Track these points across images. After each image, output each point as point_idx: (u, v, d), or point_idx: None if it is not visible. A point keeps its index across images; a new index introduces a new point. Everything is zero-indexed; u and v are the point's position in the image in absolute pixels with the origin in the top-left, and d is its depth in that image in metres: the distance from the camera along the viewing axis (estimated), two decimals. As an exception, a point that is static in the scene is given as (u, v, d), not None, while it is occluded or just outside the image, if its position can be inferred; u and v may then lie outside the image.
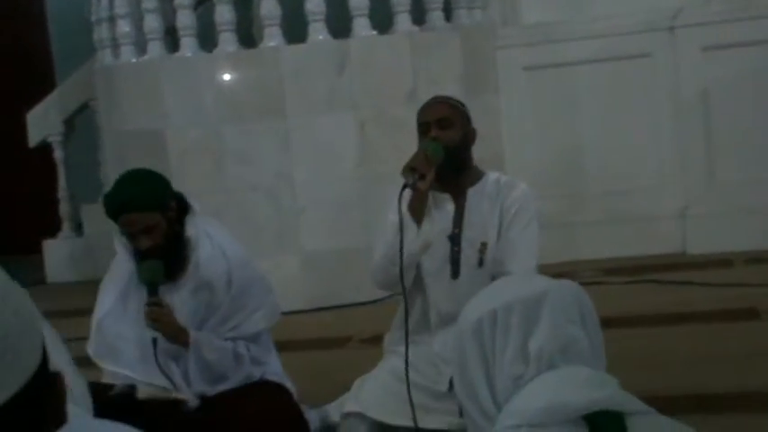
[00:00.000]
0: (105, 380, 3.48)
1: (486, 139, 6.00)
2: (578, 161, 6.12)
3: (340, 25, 5.65)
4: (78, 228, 7.20)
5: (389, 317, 3.56)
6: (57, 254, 7.10)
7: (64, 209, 7.10)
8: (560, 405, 1.63)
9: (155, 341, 3.34)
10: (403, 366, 3.26)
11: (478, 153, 5.89)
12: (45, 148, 7.08)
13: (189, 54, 5.72)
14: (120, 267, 3.52)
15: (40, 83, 7.71)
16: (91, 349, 3.49)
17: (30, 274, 6.55)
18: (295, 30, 5.63)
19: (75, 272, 6.93)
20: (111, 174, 6.29)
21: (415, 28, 5.76)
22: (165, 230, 3.34)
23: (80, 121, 7.12)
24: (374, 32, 5.67)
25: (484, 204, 3.37)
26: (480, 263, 3.32)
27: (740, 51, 5.81)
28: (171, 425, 3.33)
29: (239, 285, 3.47)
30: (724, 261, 5.59)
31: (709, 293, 5.08)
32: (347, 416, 3.44)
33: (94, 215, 6.96)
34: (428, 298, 3.39)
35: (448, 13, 5.90)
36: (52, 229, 7.18)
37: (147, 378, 3.39)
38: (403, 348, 3.36)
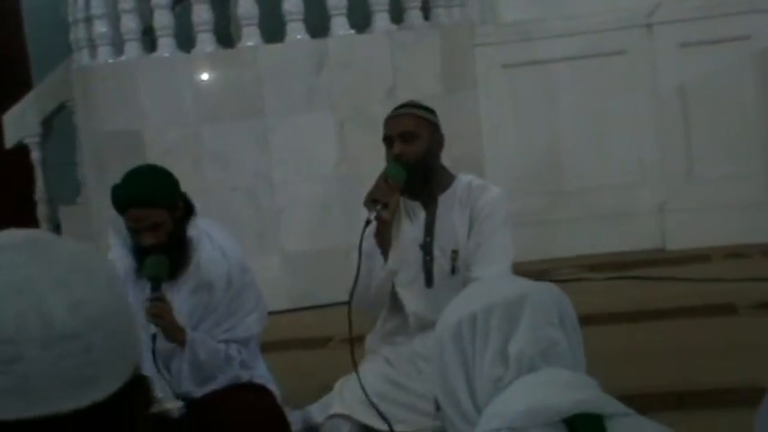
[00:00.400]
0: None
1: (464, 136, 6.04)
2: (557, 158, 6.13)
3: (318, 24, 5.64)
4: (56, 229, 7.15)
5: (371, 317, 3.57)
6: (35, 256, 7.05)
7: (41, 210, 7.05)
8: (540, 408, 1.63)
9: (154, 337, 3.32)
10: (386, 368, 3.28)
11: (457, 151, 5.93)
12: (22, 149, 7.04)
13: (167, 54, 5.70)
14: (116, 262, 3.50)
15: (16, 83, 7.66)
16: None
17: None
18: (273, 29, 5.62)
19: (53, 274, 6.88)
20: (89, 175, 6.27)
21: (394, 27, 5.76)
22: (170, 229, 3.33)
23: (57, 122, 7.08)
24: (352, 31, 5.66)
25: (455, 210, 3.36)
26: (453, 270, 3.32)
27: (717, 47, 5.83)
28: (154, 426, 3.32)
29: (237, 288, 3.47)
30: (703, 256, 5.62)
31: (688, 289, 5.10)
32: (331, 417, 3.44)
33: (72, 217, 6.94)
34: (404, 306, 3.40)
35: (426, 11, 5.91)
36: (30, 231, 7.13)
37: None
38: (384, 349, 3.38)
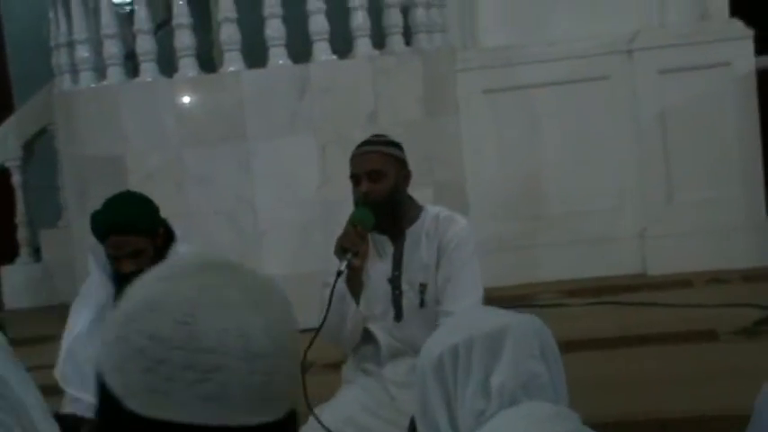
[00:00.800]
0: (65, 408, 3.43)
1: (446, 161, 6.06)
2: (538, 183, 6.15)
3: (300, 50, 5.66)
4: (36, 253, 7.12)
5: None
6: (14, 280, 7.02)
7: (22, 234, 7.02)
8: (522, 441, 1.63)
9: None
10: (361, 396, 3.30)
11: (439, 175, 5.95)
12: (3, 172, 7.02)
13: (149, 79, 5.70)
14: (97, 290, 3.48)
15: (-3, 107, 7.65)
16: (58, 372, 3.44)
17: (-13, 301, 6.49)
18: (255, 54, 5.63)
19: (32, 298, 6.86)
20: (70, 199, 6.25)
21: (376, 52, 5.78)
22: (150, 256, 3.32)
23: (39, 146, 7.06)
24: (334, 57, 5.68)
25: (422, 243, 3.35)
26: (422, 303, 3.32)
27: (697, 74, 5.88)
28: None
29: None
30: (684, 282, 5.65)
31: (669, 315, 5.12)
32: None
33: (53, 241, 6.91)
34: (376, 338, 3.41)
35: (408, 37, 5.93)
36: (10, 255, 7.11)
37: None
38: (359, 378, 3.41)
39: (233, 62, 5.61)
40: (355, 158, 3.35)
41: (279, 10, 5.55)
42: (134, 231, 3.29)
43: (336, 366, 3.93)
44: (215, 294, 1.12)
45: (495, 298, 5.47)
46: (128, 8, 6.49)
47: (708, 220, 5.87)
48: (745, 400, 2.25)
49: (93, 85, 5.89)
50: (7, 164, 6.96)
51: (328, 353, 4.69)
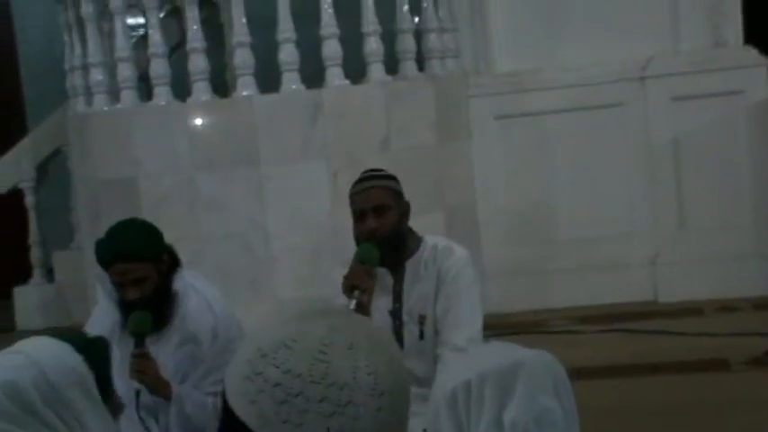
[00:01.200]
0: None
1: (458, 186, 6.07)
2: (550, 209, 6.16)
3: (313, 75, 5.68)
4: (49, 274, 7.14)
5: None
6: (27, 300, 7.04)
7: (35, 255, 7.05)
8: (535, 478, 1.63)
9: (138, 393, 3.31)
10: None
11: (451, 200, 5.96)
12: (16, 193, 7.05)
13: (162, 102, 5.72)
14: (103, 317, 3.49)
15: (11, 128, 7.68)
16: None
17: (-1, 322, 6.50)
18: (268, 79, 5.65)
19: (45, 319, 6.87)
20: (83, 221, 6.27)
21: (389, 77, 5.79)
22: (155, 283, 3.33)
23: (52, 167, 7.10)
24: (347, 82, 5.70)
25: (421, 274, 3.36)
26: (421, 335, 3.32)
27: (709, 102, 5.89)
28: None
29: (224, 340, 3.45)
30: (695, 309, 5.64)
31: (680, 343, 5.10)
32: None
33: (66, 262, 6.94)
34: None
35: (421, 62, 5.95)
36: (23, 276, 7.13)
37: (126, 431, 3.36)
38: None
39: (246, 86, 5.63)
40: (357, 195, 3.34)
41: (292, 35, 5.57)
42: (137, 259, 3.30)
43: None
44: (345, 335, 1.23)
45: (505, 324, 5.48)
46: (141, 30, 6.52)
47: (719, 248, 5.86)
48: (757, 431, 2.26)
49: (106, 108, 5.91)
50: (21, 185, 6.99)
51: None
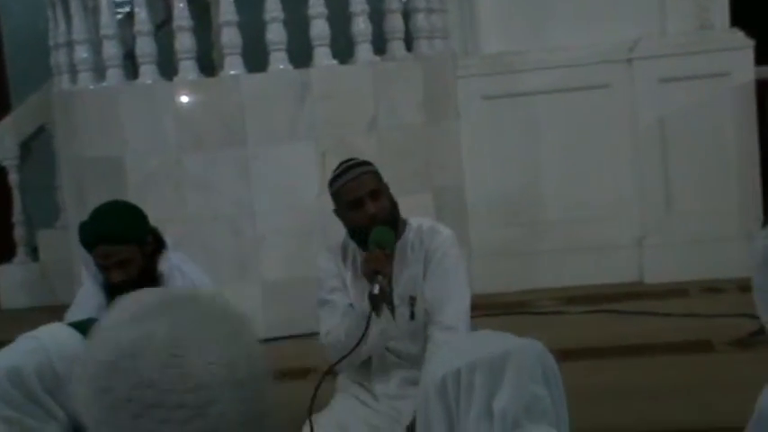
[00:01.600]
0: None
1: (446, 167, 6.07)
2: (537, 190, 6.17)
3: (301, 54, 5.66)
4: (34, 253, 7.12)
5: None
6: (11, 279, 7.02)
7: (19, 233, 7.02)
8: (525, 466, 1.64)
9: None
10: (356, 406, 3.32)
11: (439, 181, 5.96)
12: (0, 171, 7.01)
13: (149, 81, 5.69)
14: (88, 299, 3.48)
15: (-5, 105, 7.64)
16: None
17: (-16, 300, 6.49)
18: (256, 58, 5.63)
19: (29, 297, 6.86)
20: (68, 201, 6.25)
21: (377, 58, 5.78)
22: (140, 265, 3.32)
23: (36, 145, 7.06)
24: (335, 62, 5.68)
25: (408, 257, 3.38)
26: (412, 316, 3.34)
27: (696, 83, 5.89)
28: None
29: None
30: (680, 291, 5.66)
31: (665, 324, 5.13)
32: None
33: (50, 241, 6.91)
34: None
35: (409, 43, 5.93)
36: (7, 255, 7.11)
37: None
38: (354, 388, 3.43)
39: (233, 66, 5.60)
40: (350, 184, 3.33)
41: (280, 14, 5.55)
42: (121, 241, 3.30)
43: (335, 373, 3.95)
44: (192, 330, 1.14)
45: (491, 304, 5.50)
46: (126, 7, 6.47)
47: (705, 230, 5.89)
48: (739, 412, 2.27)
49: (92, 87, 5.88)
50: (4, 163, 6.95)
51: (327, 359, 4.72)
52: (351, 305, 3.40)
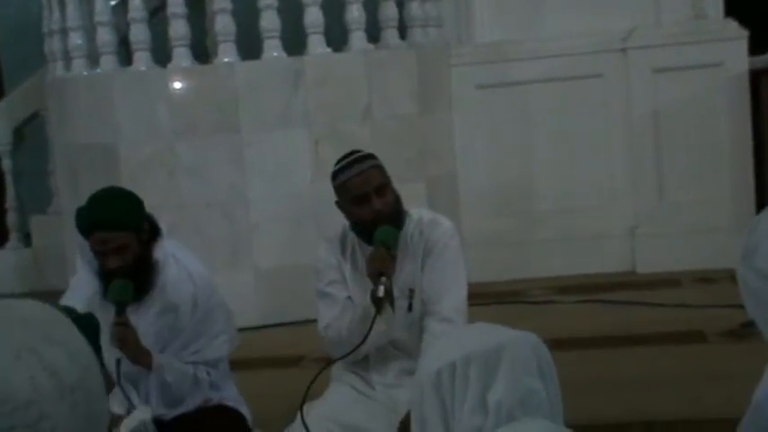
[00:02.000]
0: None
1: (439, 156, 6.07)
2: (530, 179, 6.17)
3: (295, 42, 5.65)
4: (26, 238, 7.11)
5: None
6: (4, 265, 7.01)
7: (12, 219, 7.01)
8: (519, 459, 1.65)
9: (118, 362, 3.31)
10: (352, 396, 3.33)
11: (432, 170, 5.96)
12: (-7, 157, 7.00)
13: (142, 68, 5.68)
14: (82, 286, 3.49)
15: (-12, 91, 7.62)
16: None
17: (-24, 286, 6.48)
18: (250, 46, 5.62)
19: (22, 283, 6.86)
20: (62, 187, 6.24)
21: (370, 46, 5.78)
22: (136, 252, 3.33)
23: (29, 131, 7.05)
24: (329, 50, 5.67)
25: (409, 249, 3.38)
26: (410, 308, 3.33)
27: (691, 73, 5.90)
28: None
29: (204, 310, 3.46)
30: (672, 281, 5.68)
31: (657, 314, 5.14)
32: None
33: (43, 226, 6.91)
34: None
35: (403, 31, 5.93)
36: (0, 240, 7.10)
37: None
38: (349, 377, 3.43)
39: (227, 53, 5.60)
40: (356, 179, 3.31)
41: (274, 2, 5.55)
42: (118, 227, 3.30)
43: (326, 360, 3.96)
44: (9, 343, 1.06)
45: (484, 294, 5.50)
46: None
47: (698, 220, 5.90)
48: (731, 404, 2.27)
49: (85, 73, 5.87)
50: (-2, 148, 6.94)
51: (320, 347, 4.72)
52: (349, 298, 3.40)
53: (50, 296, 3.78)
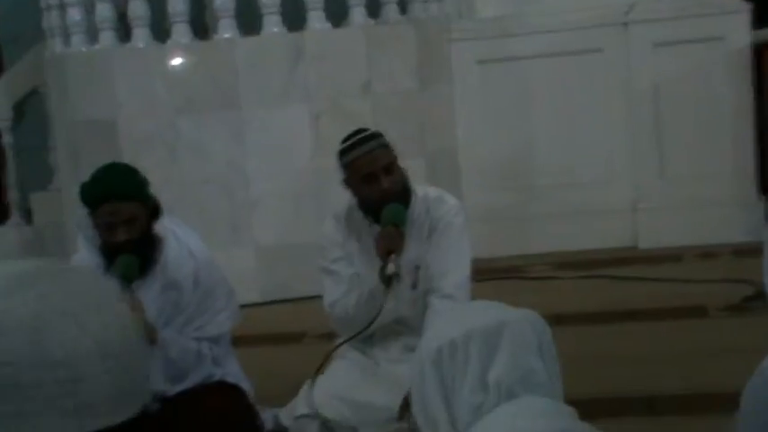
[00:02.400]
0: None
1: (439, 131, 6.05)
2: (530, 154, 6.15)
3: (294, 18, 5.62)
4: (27, 215, 7.10)
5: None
6: (5, 242, 6.99)
7: (12, 196, 6.99)
8: (520, 436, 1.65)
9: None
10: (356, 372, 3.34)
11: (432, 145, 5.94)
12: (-7, 132, 6.97)
13: (141, 45, 5.66)
14: (85, 263, 3.48)
15: (-13, 67, 7.58)
16: None
17: (-23, 263, 6.44)
18: (249, 22, 5.60)
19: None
20: (63, 164, 6.23)
21: (370, 21, 5.75)
22: (143, 225, 3.32)
23: (29, 107, 7.02)
24: (329, 25, 5.65)
25: (414, 226, 3.39)
26: (414, 285, 3.35)
27: (691, 48, 5.87)
28: (127, 424, 3.31)
29: (205, 286, 3.47)
30: (674, 256, 5.67)
31: (658, 290, 5.14)
32: (298, 418, 3.48)
33: (44, 203, 6.89)
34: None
35: (403, 6, 5.90)
36: (0, 217, 7.09)
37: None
38: (353, 354, 3.44)
39: (227, 29, 5.57)
40: (364, 158, 3.31)
41: (274, -24, 5.51)
42: (128, 197, 3.30)
43: (330, 337, 3.97)
44: (56, 302, 1.09)
45: (484, 269, 5.48)
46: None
47: (699, 195, 5.88)
48: (733, 378, 2.27)
49: (84, 49, 5.84)
50: (-3, 125, 6.91)
51: (322, 323, 4.73)
52: (357, 274, 3.40)
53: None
